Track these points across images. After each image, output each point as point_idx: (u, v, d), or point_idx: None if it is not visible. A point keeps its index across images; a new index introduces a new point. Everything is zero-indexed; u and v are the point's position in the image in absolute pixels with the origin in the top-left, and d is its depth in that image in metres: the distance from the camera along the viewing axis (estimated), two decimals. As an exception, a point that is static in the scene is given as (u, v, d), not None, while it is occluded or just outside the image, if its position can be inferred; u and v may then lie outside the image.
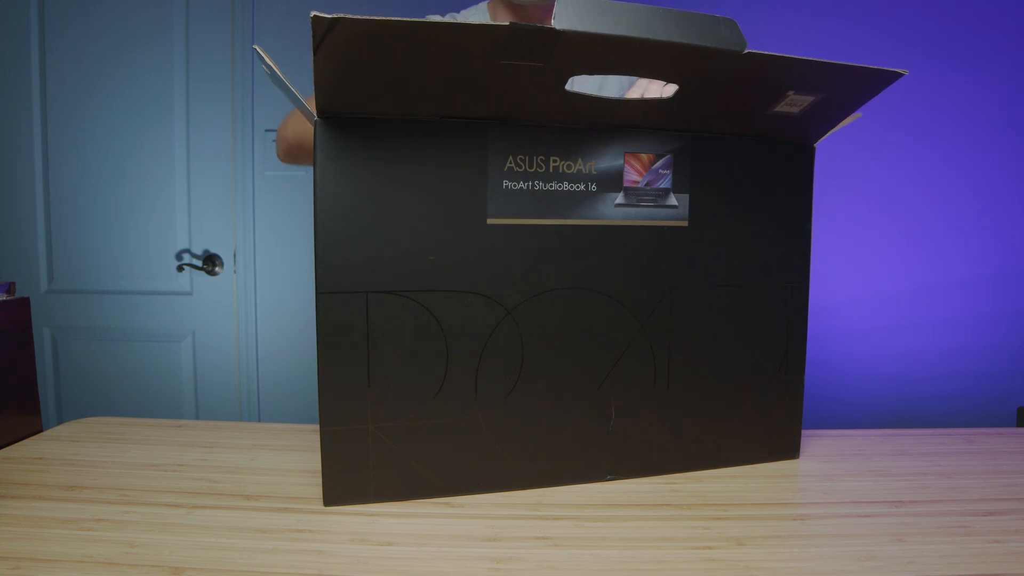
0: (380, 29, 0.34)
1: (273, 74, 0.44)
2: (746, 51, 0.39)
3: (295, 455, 0.54)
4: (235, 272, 1.70)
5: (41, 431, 0.60)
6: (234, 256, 1.70)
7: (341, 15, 0.33)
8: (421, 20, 0.35)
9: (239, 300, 1.71)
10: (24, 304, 0.60)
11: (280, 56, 0.46)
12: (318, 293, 0.42)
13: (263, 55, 0.45)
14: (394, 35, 0.35)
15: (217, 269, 1.70)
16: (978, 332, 1.59)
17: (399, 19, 0.33)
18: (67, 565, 0.35)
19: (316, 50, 0.35)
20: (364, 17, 0.33)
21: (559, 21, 0.35)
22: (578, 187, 0.46)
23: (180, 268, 1.69)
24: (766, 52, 0.39)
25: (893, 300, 1.61)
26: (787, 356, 0.53)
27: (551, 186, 0.45)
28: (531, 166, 0.45)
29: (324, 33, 0.34)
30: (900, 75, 0.43)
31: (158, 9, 1.62)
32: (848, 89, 0.45)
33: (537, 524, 0.41)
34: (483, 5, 0.89)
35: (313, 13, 0.32)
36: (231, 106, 1.65)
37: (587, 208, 0.46)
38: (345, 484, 0.44)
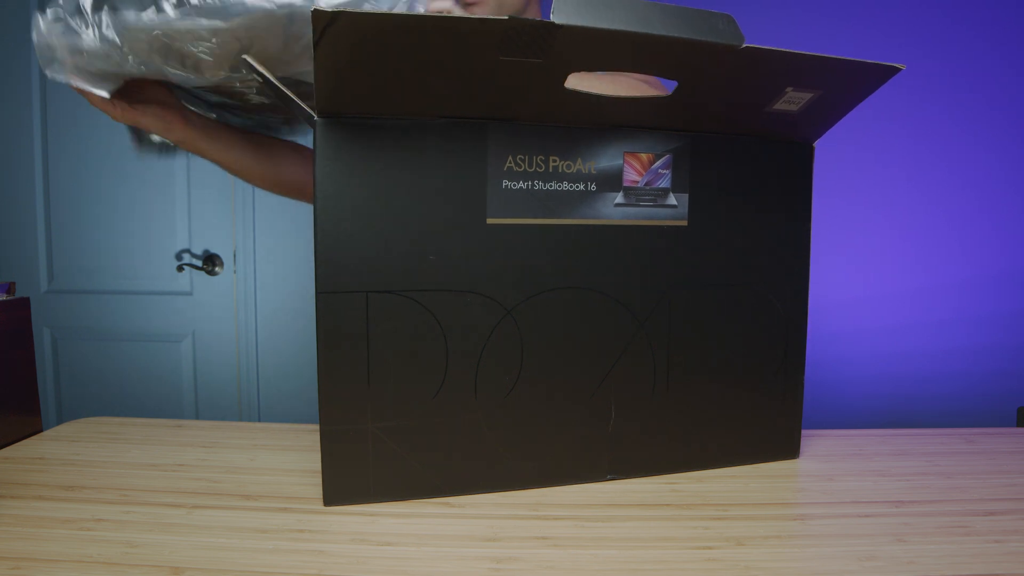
0: (381, 22, 0.34)
1: (267, 80, 0.44)
2: (744, 45, 0.39)
3: (295, 455, 0.54)
4: (235, 272, 1.70)
5: (41, 431, 0.60)
6: (234, 256, 1.70)
7: (342, 8, 0.33)
8: (421, 14, 0.35)
9: (239, 300, 1.71)
10: (24, 304, 0.60)
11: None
12: (318, 293, 0.42)
13: (254, 64, 0.45)
14: (395, 28, 0.35)
15: (217, 269, 1.70)
16: (978, 332, 1.60)
17: (400, 13, 0.34)
18: (67, 565, 0.35)
19: (316, 45, 0.35)
20: (365, 11, 0.33)
21: (558, 16, 0.36)
22: (578, 187, 0.46)
23: (180, 268, 1.69)
24: (763, 46, 0.40)
25: (893, 300, 1.61)
26: (787, 356, 0.53)
27: (551, 186, 0.45)
28: (531, 166, 0.45)
29: (325, 27, 0.34)
30: (897, 70, 0.43)
31: (158, 9, 1.62)
32: (846, 85, 0.45)
33: (537, 524, 0.41)
34: None
35: (314, 7, 0.33)
36: (231, 106, 1.65)
37: (587, 208, 0.46)
38: (345, 484, 0.44)
